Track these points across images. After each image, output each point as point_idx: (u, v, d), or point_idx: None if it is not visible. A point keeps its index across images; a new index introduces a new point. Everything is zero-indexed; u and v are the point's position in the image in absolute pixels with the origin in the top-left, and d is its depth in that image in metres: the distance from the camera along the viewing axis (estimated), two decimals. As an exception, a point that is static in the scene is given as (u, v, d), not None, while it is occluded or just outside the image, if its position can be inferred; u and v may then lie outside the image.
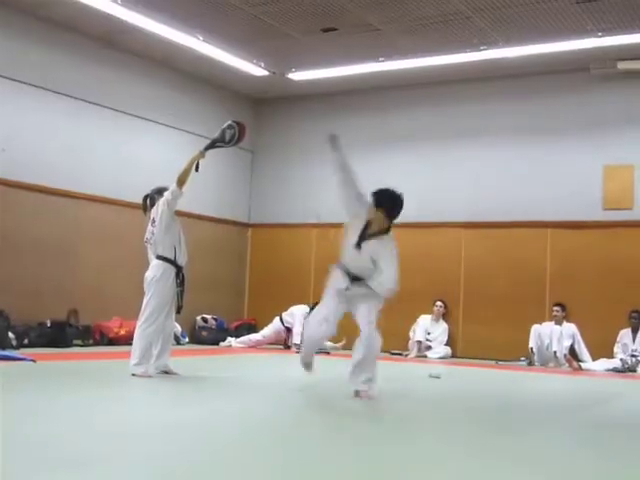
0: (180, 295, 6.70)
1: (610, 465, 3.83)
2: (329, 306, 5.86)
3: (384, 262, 5.61)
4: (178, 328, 11.16)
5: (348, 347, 11.14)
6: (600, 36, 9.57)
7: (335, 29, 9.80)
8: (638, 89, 10.65)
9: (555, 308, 10.37)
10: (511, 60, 10.50)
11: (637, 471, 3.73)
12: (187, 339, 11.44)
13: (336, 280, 5.83)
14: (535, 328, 10.39)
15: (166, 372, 6.75)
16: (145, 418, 4.60)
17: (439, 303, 11.26)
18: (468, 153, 11.57)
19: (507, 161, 11.30)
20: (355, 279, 5.73)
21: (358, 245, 5.69)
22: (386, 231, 5.78)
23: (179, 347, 10.44)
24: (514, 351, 10.52)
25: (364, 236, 5.70)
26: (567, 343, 10.22)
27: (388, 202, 5.76)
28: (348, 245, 5.77)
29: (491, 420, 5.18)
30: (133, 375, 6.38)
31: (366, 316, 5.70)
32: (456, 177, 11.60)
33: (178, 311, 6.77)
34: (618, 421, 5.47)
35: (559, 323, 10.30)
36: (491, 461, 3.71)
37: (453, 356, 11.08)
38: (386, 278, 5.61)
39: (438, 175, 11.74)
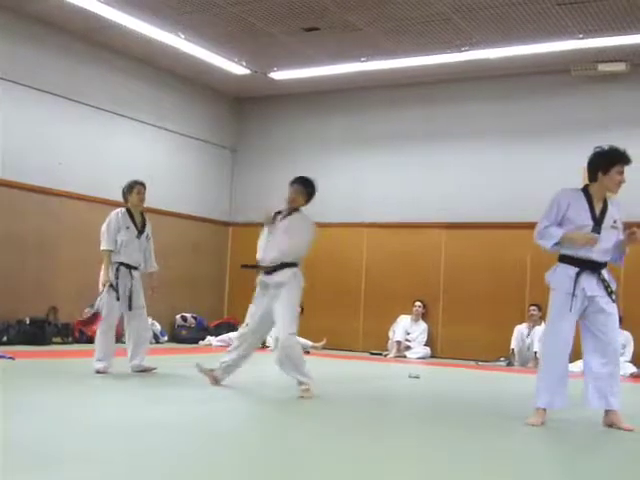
0: (130, 294, 6.76)
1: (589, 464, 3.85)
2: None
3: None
4: (157, 327, 11.13)
5: (328, 347, 11.22)
6: (581, 38, 9.63)
7: (317, 29, 9.80)
8: (617, 91, 10.73)
9: (532, 308, 10.42)
10: (492, 61, 10.55)
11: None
12: (166, 337, 11.40)
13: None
14: (518, 329, 10.45)
15: (142, 371, 6.77)
16: (118, 416, 4.58)
17: (418, 303, 11.29)
18: (449, 154, 11.61)
19: (488, 162, 11.35)
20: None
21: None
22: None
23: (158, 346, 10.42)
24: (494, 351, 10.57)
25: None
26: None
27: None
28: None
29: (462, 420, 5.21)
30: (97, 372, 6.58)
31: (282, 321, 5.81)
32: (437, 178, 11.63)
33: (130, 308, 6.85)
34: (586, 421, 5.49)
35: (537, 323, 10.36)
36: (458, 463, 3.73)
37: (433, 356, 11.11)
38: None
39: (419, 176, 11.76)
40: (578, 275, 4.97)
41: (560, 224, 5.04)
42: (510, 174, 11.16)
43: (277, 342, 5.89)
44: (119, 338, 7.31)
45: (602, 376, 4.94)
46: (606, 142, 10.61)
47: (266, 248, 6.00)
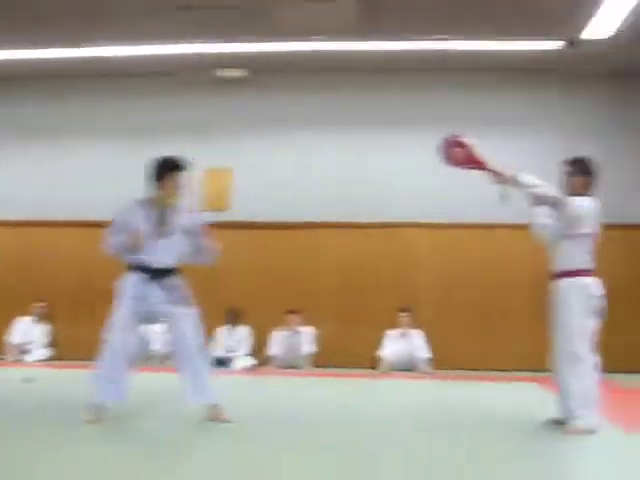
0: None
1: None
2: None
3: None
4: None
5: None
6: (201, 43, 9.92)
7: None
8: (237, 96, 11.22)
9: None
10: (113, 59, 10.43)
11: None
12: None
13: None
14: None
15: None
16: None
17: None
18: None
19: (115, 159, 11.22)
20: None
21: None
22: None
23: None
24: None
25: None
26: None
27: None
28: None
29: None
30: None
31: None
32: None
33: None
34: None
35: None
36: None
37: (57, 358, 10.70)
38: None
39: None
40: (145, 281, 5.16)
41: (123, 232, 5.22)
42: (134, 172, 11.14)
43: None
44: None
45: (192, 373, 5.17)
46: (228, 144, 11.20)
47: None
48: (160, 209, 5.26)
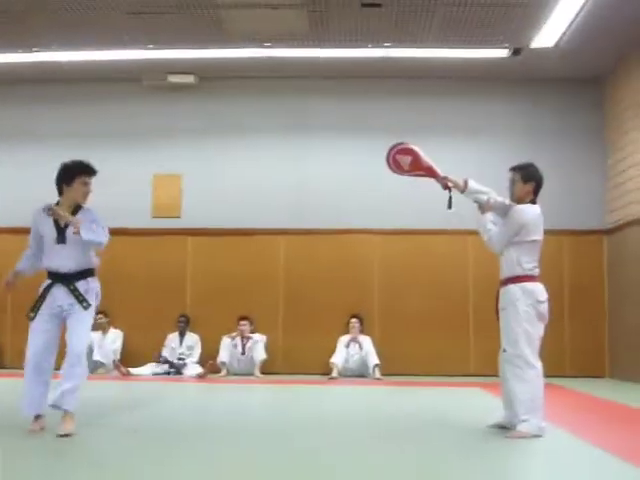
0: None
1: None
2: None
3: None
4: None
5: None
6: (152, 48, 9.87)
7: None
8: (185, 102, 11.19)
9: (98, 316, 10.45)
10: (64, 64, 10.32)
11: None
12: None
13: None
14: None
15: None
16: None
17: None
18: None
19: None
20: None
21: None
22: None
23: None
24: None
25: None
26: (113, 347, 10.34)
27: None
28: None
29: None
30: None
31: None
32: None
33: None
34: (153, 424, 5.66)
35: (104, 331, 10.37)
36: None
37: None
38: None
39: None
40: (51, 286, 5.16)
41: (37, 241, 5.30)
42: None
43: None
44: None
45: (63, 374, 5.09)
46: (174, 150, 11.12)
47: None
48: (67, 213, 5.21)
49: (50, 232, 5.22)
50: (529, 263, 5.24)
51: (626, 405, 7.25)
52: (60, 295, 5.13)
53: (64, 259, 5.17)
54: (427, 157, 5.52)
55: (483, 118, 11.01)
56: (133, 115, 11.21)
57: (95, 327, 10.25)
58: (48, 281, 5.20)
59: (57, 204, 5.28)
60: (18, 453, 4.37)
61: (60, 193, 5.35)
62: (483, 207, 5.43)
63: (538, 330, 5.19)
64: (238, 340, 10.29)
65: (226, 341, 10.27)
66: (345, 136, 11.04)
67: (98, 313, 10.39)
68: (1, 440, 4.77)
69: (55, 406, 5.00)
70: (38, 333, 5.12)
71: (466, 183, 5.40)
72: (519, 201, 5.33)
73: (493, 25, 9.05)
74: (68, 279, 5.15)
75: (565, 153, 10.80)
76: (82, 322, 5.14)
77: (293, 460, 4.30)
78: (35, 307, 5.15)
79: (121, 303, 10.55)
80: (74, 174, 5.35)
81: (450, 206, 5.41)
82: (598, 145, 10.82)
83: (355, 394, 8.63)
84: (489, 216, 5.43)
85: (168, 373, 10.09)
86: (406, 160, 5.51)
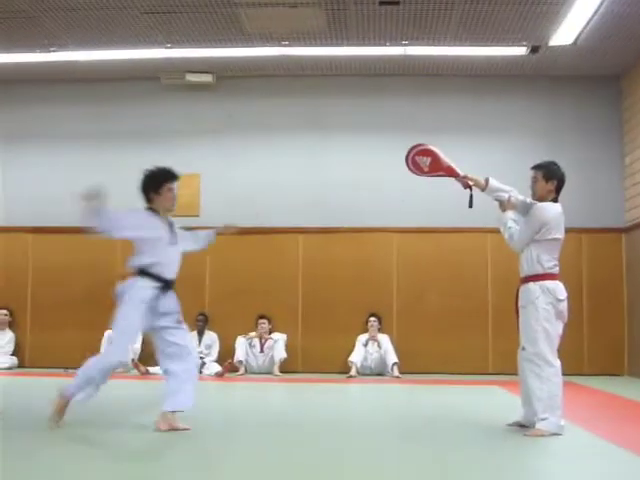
0: None
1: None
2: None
3: None
4: None
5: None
6: (169, 47, 9.92)
7: None
8: (204, 101, 11.22)
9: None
10: (83, 64, 10.39)
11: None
12: None
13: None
14: (107, 334, 10.33)
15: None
16: None
17: (4, 311, 10.72)
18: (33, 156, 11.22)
19: (82, 165, 11.15)
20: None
21: None
22: None
23: None
24: (84, 358, 10.36)
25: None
26: (133, 346, 10.38)
27: None
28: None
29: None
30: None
31: None
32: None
33: None
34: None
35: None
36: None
37: (20, 366, 10.59)
38: None
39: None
40: (157, 290, 5.17)
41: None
42: (101, 179, 11.05)
43: None
44: None
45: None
46: (193, 149, 11.16)
47: None
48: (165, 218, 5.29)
49: (164, 234, 5.24)
50: (549, 261, 5.23)
51: (646, 404, 7.23)
52: (171, 303, 5.23)
53: (176, 264, 5.27)
54: (446, 157, 5.53)
55: (501, 116, 10.98)
56: (151, 114, 11.25)
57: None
58: (154, 284, 5.15)
59: (150, 210, 5.30)
60: (30, 452, 4.42)
61: (148, 201, 5.33)
62: (504, 205, 5.45)
63: (557, 328, 5.18)
64: (256, 339, 10.31)
65: (241, 340, 10.30)
66: (363, 134, 11.03)
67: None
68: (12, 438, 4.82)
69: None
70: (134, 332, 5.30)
71: (487, 181, 5.42)
72: (541, 199, 5.32)
73: (511, 23, 9.02)
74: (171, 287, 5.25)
75: (583, 150, 10.75)
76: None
77: (313, 458, 4.32)
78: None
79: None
80: (161, 181, 5.36)
81: (471, 204, 5.43)
82: (616, 142, 10.77)
83: (374, 392, 8.64)
84: (510, 214, 5.43)
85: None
86: (425, 161, 5.54)
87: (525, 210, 5.36)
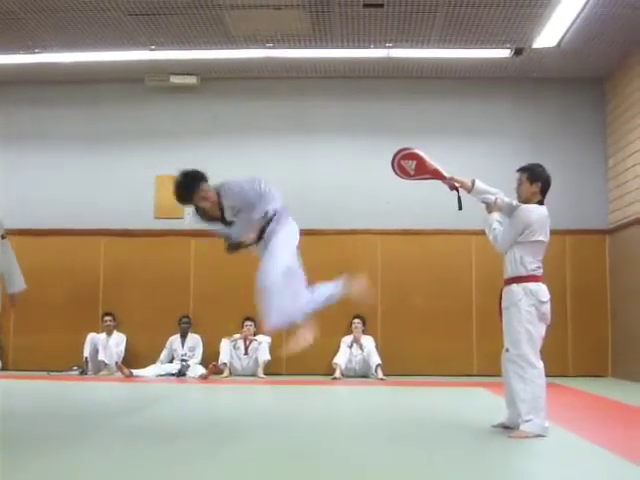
0: None
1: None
2: None
3: None
4: None
5: None
6: (153, 49, 9.89)
7: None
8: (188, 102, 11.19)
9: (106, 318, 10.51)
10: (67, 65, 10.34)
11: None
12: None
13: None
14: (90, 337, 10.34)
15: None
16: None
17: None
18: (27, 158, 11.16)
19: (67, 166, 11.09)
20: None
21: None
22: None
23: None
24: (67, 360, 10.36)
25: None
26: (117, 350, 10.36)
27: None
28: None
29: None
30: None
31: None
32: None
33: None
34: (158, 425, 5.68)
35: (109, 333, 10.42)
36: None
37: (4, 369, 10.51)
38: None
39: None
40: None
41: None
42: (89, 180, 11.03)
43: None
44: None
45: None
46: (176, 151, 11.11)
47: None
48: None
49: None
50: (532, 263, 5.25)
51: (629, 405, 7.25)
52: None
53: None
54: (431, 160, 5.55)
55: (485, 118, 11.01)
56: (135, 116, 11.22)
57: (102, 329, 10.42)
58: None
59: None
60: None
61: (188, 202, 5.57)
62: (490, 207, 5.47)
63: (540, 330, 5.20)
64: (241, 341, 10.29)
65: (225, 342, 10.27)
66: (348, 136, 11.03)
67: (106, 315, 10.49)
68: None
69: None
70: None
71: (473, 183, 5.45)
72: (526, 202, 5.34)
73: (495, 25, 9.05)
74: None
75: (567, 153, 10.80)
76: None
77: (298, 460, 4.31)
78: None
79: (124, 304, 10.60)
80: (199, 182, 5.56)
81: (461, 207, 5.45)
82: (600, 144, 10.83)
83: (358, 395, 8.64)
84: (496, 216, 5.45)
85: (172, 374, 10.10)
86: (411, 165, 5.56)
87: (510, 212, 5.38)
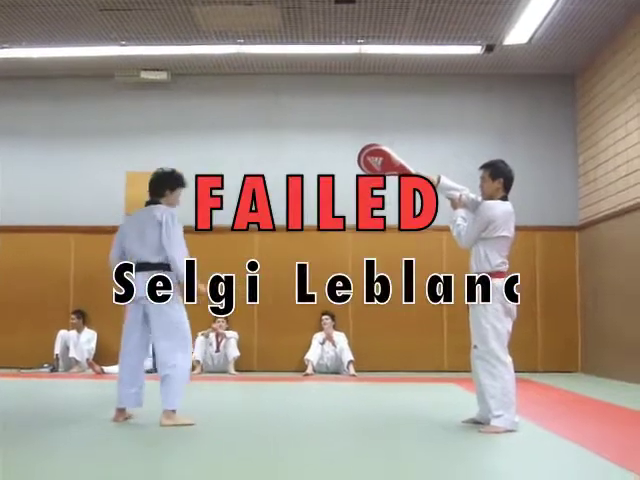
0: None
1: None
2: None
3: None
4: None
5: None
6: (123, 45, 9.81)
7: None
8: (159, 98, 11.12)
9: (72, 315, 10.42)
10: (36, 61, 10.23)
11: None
12: None
13: None
14: (60, 334, 10.26)
15: None
16: None
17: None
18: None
19: (36, 163, 10.98)
20: None
21: None
22: None
23: None
24: (38, 358, 10.27)
25: None
26: (87, 347, 10.28)
27: None
28: None
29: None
30: None
31: None
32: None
33: None
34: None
35: (79, 330, 10.34)
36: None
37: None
38: None
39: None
40: None
41: None
42: (57, 177, 10.92)
43: None
44: None
45: None
46: (148, 147, 11.02)
47: None
48: None
49: None
50: (497, 259, 5.26)
51: (598, 399, 7.32)
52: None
53: None
54: (398, 156, 5.56)
55: (457, 114, 11.04)
56: (105, 112, 11.13)
57: (70, 327, 10.33)
58: None
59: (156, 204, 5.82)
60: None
61: (161, 195, 5.88)
62: (455, 203, 5.48)
63: (506, 326, 5.21)
64: (213, 337, 10.26)
65: (200, 339, 10.22)
66: (319, 132, 11.02)
67: (73, 313, 10.42)
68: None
69: None
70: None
71: (439, 179, 5.46)
72: (490, 198, 5.36)
73: (466, 21, 9.08)
74: None
75: (538, 149, 10.86)
76: None
77: (269, 458, 4.29)
78: None
79: (95, 301, 10.49)
80: (179, 184, 5.94)
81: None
82: (570, 141, 10.90)
83: (329, 391, 8.64)
84: (460, 212, 5.47)
85: (147, 372, 10.00)
86: (377, 161, 5.56)
87: (475, 208, 5.41)
